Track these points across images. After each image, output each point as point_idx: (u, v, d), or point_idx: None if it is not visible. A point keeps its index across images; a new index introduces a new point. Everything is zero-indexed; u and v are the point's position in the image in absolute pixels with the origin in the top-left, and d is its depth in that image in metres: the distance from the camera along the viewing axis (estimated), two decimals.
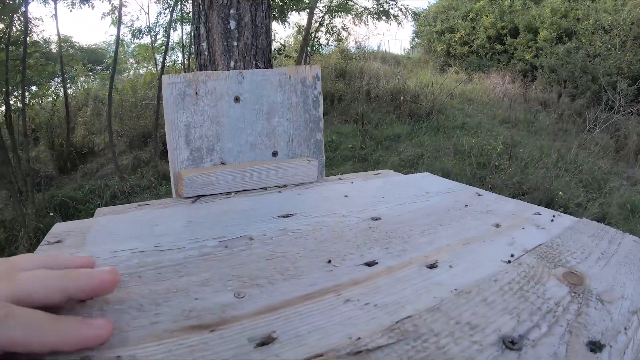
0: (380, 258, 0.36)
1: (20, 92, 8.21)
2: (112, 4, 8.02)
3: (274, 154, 0.65)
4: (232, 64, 1.61)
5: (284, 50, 8.05)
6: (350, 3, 8.44)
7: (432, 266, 0.34)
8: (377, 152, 6.87)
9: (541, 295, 0.31)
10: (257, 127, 0.64)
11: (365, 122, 7.78)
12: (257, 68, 1.50)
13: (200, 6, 1.68)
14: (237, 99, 0.63)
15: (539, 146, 6.80)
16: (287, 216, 0.47)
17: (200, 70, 1.39)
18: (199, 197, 0.57)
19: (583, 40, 9.66)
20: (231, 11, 1.62)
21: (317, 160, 0.65)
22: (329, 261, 0.35)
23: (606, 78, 8.82)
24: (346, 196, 0.54)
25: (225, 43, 1.60)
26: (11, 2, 7.44)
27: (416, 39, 16.18)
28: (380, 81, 9.78)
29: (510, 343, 0.24)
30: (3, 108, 8.74)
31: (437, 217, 0.47)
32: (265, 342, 0.24)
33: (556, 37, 10.17)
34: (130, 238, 0.42)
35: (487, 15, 11.72)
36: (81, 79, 12.64)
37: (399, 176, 0.70)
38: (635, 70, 8.85)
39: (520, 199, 2.86)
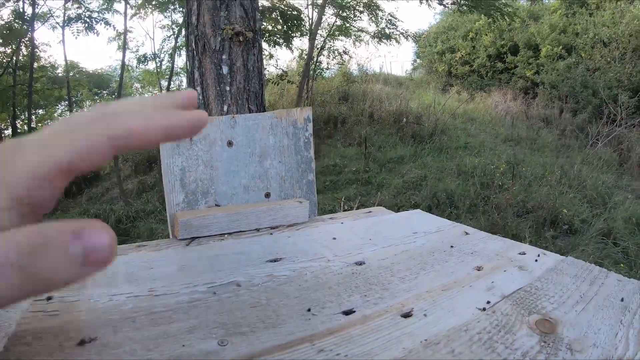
0: (358, 306, 0.37)
1: (27, 115, 8.34)
2: (117, 30, 8.18)
3: (267, 195, 0.68)
4: (225, 108, 1.64)
5: (286, 76, 8.16)
6: (350, 24, 8.57)
7: (407, 315, 0.36)
8: (380, 174, 6.89)
9: (509, 345, 0.32)
10: (250, 169, 0.66)
11: (368, 144, 7.81)
12: (249, 111, 1.54)
13: (194, 51, 1.73)
14: (230, 143, 0.65)
15: (542, 163, 6.80)
16: (275, 260, 0.49)
17: None
18: (193, 238, 0.59)
19: (583, 55, 9.74)
20: (223, 56, 1.67)
21: (309, 201, 0.67)
22: (309, 309, 0.37)
23: (607, 92, 8.86)
24: (334, 238, 0.56)
25: (218, 88, 1.65)
26: (18, 28, 7.61)
27: (417, 60, 16.34)
28: (382, 103, 9.85)
29: None
30: (10, 131, 8.88)
31: (421, 260, 0.48)
32: None
33: (558, 54, 10.25)
34: (127, 282, 0.44)
35: (486, 34, 11.84)
36: (87, 103, 12.83)
37: (390, 215, 0.71)
38: (636, 82, 8.89)
39: (525, 218, 2.87)
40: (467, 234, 0.59)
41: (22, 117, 9.20)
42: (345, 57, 10.28)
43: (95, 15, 7.80)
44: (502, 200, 5.38)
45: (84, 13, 7.85)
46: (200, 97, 1.70)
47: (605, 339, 0.35)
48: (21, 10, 7.50)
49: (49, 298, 0.42)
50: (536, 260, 0.50)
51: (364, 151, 7.53)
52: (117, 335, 0.34)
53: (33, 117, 9.27)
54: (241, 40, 1.71)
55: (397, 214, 0.70)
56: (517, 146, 8.05)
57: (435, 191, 5.86)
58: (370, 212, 0.73)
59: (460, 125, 9.20)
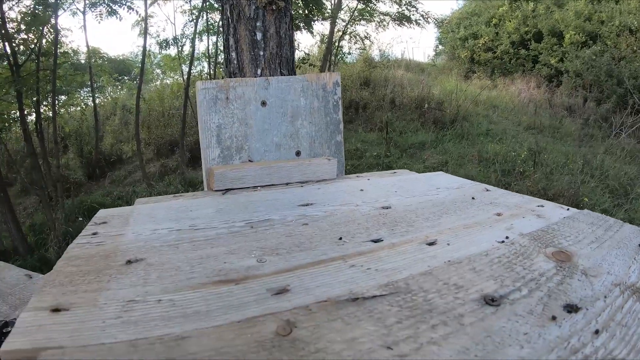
0: (385, 237, 0.41)
1: (50, 101, 8.51)
2: (140, 15, 8.24)
3: (297, 153, 0.71)
4: (258, 71, 1.74)
5: (308, 59, 8.16)
6: (372, 7, 8.49)
7: (431, 244, 0.39)
8: (401, 159, 6.88)
9: (527, 267, 0.35)
10: (282, 129, 0.70)
11: (389, 130, 7.79)
12: (281, 75, 1.58)
13: (229, 19, 1.84)
14: (263, 103, 0.69)
15: (565, 152, 6.71)
16: (306, 205, 0.52)
17: (230, 77, 1.48)
18: (227, 190, 0.63)
19: (608, 43, 9.49)
20: (257, 24, 1.77)
21: (337, 160, 0.71)
22: (340, 238, 0.40)
23: (632, 81, 8.64)
24: (362, 190, 0.59)
25: (252, 53, 1.74)
26: (41, 15, 7.72)
27: (440, 46, 16.14)
28: (404, 89, 9.78)
29: (490, 300, 0.29)
30: (34, 116, 9.08)
31: (444, 207, 0.51)
32: (280, 292, 0.30)
33: (582, 41, 10.01)
34: (168, 220, 0.49)
35: (510, 21, 11.61)
36: (109, 89, 13.01)
37: (414, 174, 0.74)
38: None
39: None
40: (487, 190, 0.62)
41: (45, 102, 9.39)
42: (367, 42, 10.21)
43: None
44: (523, 187, 5.34)
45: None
46: (235, 62, 1.82)
47: (619, 270, 0.36)
48: None
49: (94, 234, 0.46)
50: (553, 210, 0.52)
51: (385, 136, 7.52)
52: (161, 257, 0.38)
53: (56, 102, 9.46)
54: (274, 9, 1.79)
55: (421, 174, 0.73)
56: (540, 134, 7.94)
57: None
58: (395, 172, 0.76)
59: (482, 112, 9.10)
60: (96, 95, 10.63)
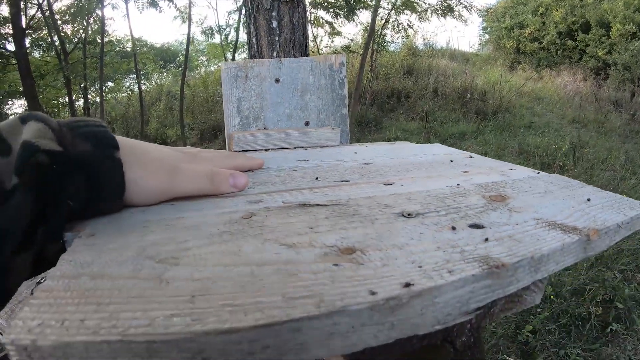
0: (353, 179, 0.50)
1: (97, 87, 8.95)
2: (179, 9, 8.50)
3: (306, 123, 0.83)
4: (274, 54, 2.12)
5: (350, 47, 8.24)
6: (415, 0, 8.46)
7: (388, 184, 0.47)
8: None
9: (458, 201, 0.41)
10: (293, 102, 0.81)
11: (430, 119, 7.78)
12: (294, 57, 1.78)
13: (250, 10, 2.21)
14: (277, 80, 0.81)
15: (608, 147, 6.53)
16: (303, 160, 0.63)
17: (251, 59, 1.71)
18: (244, 151, 0.76)
19: None
20: (273, 14, 2.12)
21: (340, 129, 0.81)
22: (317, 178, 0.51)
23: None
24: (355, 152, 0.69)
25: (269, 38, 2.07)
26: (86, 6, 8.08)
27: (486, 36, 15.82)
28: (447, 78, 9.70)
29: (407, 214, 0.36)
30: (82, 102, 9.56)
31: (419, 165, 0.59)
32: (255, 202, 0.41)
33: (631, 33, 9.61)
34: None
35: (557, 10, 11.26)
36: (155, 75, 13.47)
37: (412, 144, 0.83)
38: None
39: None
40: (471, 157, 0.69)
41: (93, 89, 9.87)
42: (410, 31, 10.16)
43: None
44: None
45: None
46: (255, 47, 2.20)
47: (548, 211, 0.38)
48: None
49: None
50: (521, 172, 0.55)
51: (424, 125, 7.53)
52: None
53: (104, 88, 9.94)
54: (287, 0, 2.12)
55: (418, 144, 0.82)
56: (584, 128, 7.75)
57: None
58: (395, 142, 0.85)
59: (526, 104, 8.93)
60: (142, 81, 11.03)
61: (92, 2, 7.84)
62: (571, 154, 6.04)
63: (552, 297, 3.14)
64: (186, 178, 0.41)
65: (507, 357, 2.68)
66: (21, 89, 7.26)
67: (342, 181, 0.49)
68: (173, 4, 8.05)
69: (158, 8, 7.88)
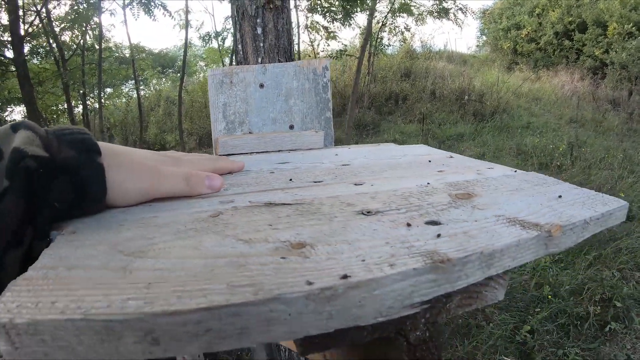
0: (326, 180, 0.51)
1: (96, 93, 8.99)
2: (173, 17, 8.55)
3: (291, 127, 0.84)
4: (259, 59, 2.17)
5: (346, 51, 8.26)
6: (411, 3, 8.50)
7: (358, 184, 0.48)
8: None
9: (422, 199, 0.41)
10: (277, 106, 0.83)
11: (428, 121, 7.80)
12: (279, 62, 1.80)
13: (236, 18, 2.27)
14: (261, 85, 0.82)
15: (606, 147, 6.55)
16: (283, 163, 0.65)
17: (238, 65, 1.74)
18: (229, 155, 0.77)
19: None
20: (258, 20, 2.18)
21: (324, 132, 0.83)
22: (291, 179, 0.52)
23: None
24: (336, 154, 0.71)
25: (254, 44, 2.13)
26: (84, 13, 8.13)
27: (483, 37, 15.86)
28: (445, 81, 9.73)
29: (367, 212, 0.37)
30: (81, 108, 9.60)
31: (395, 166, 0.60)
32: (227, 202, 0.43)
33: (627, 32, 9.64)
34: None
35: (553, 10, 11.30)
36: (153, 81, 13.51)
37: (395, 146, 0.85)
38: None
39: None
40: (451, 157, 0.70)
41: (92, 95, 9.91)
42: (407, 34, 10.19)
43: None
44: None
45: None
46: (241, 53, 2.25)
47: (513, 208, 0.39)
48: None
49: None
50: (497, 171, 0.56)
51: (422, 127, 7.55)
52: None
53: (102, 94, 9.98)
54: (272, 7, 2.18)
55: (401, 146, 0.83)
56: (581, 128, 7.77)
57: None
58: (379, 144, 0.87)
59: (523, 105, 8.96)
60: (141, 87, 11.06)
61: (89, 10, 7.89)
62: (569, 154, 6.06)
63: (549, 297, 3.15)
64: (164, 180, 0.44)
65: (505, 358, 2.69)
66: (20, 95, 7.29)
67: (315, 182, 0.51)
68: (167, 11, 8.09)
69: (152, 16, 7.93)
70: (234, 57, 2.29)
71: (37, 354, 0.22)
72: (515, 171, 0.57)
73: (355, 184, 0.48)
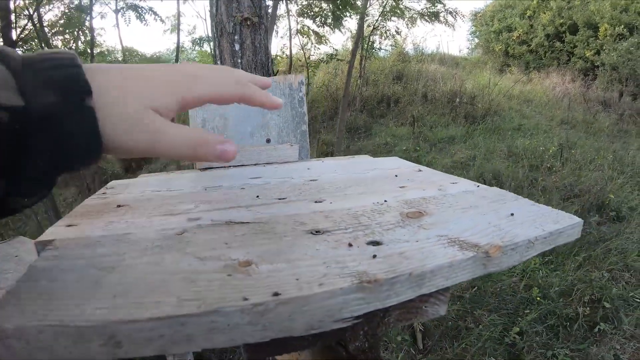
0: (289, 197, 0.54)
1: None
2: (164, 22, 8.58)
3: (268, 140, 0.87)
4: None
5: (336, 55, 8.28)
6: (401, 6, 8.53)
7: (318, 202, 0.51)
8: (430, 154, 6.91)
9: (372, 218, 0.44)
10: (254, 121, 0.86)
11: (419, 124, 7.82)
12: None
13: (215, 35, 2.36)
14: None
15: (597, 148, 6.60)
16: (255, 178, 0.68)
17: None
18: (207, 168, 0.81)
19: None
20: (236, 37, 2.27)
21: (299, 145, 0.86)
22: (257, 196, 0.55)
23: None
24: (308, 169, 0.74)
25: (232, 61, 2.20)
26: (76, 17, 8.14)
27: (475, 40, 15.93)
28: (437, 83, 9.74)
29: (316, 232, 0.40)
30: None
31: (361, 182, 0.63)
32: (194, 219, 0.46)
33: (618, 33, 9.71)
34: (154, 186, 0.66)
35: (544, 12, 11.37)
36: None
37: (369, 158, 0.87)
38: None
39: (571, 202, 2.87)
40: (420, 170, 0.72)
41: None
42: (398, 37, 10.22)
43: (144, 5, 8.26)
44: (549, 182, 5.31)
45: (132, 3, 8.32)
46: None
47: (459, 227, 0.40)
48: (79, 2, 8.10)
49: (103, 193, 0.62)
50: (460, 186, 0.58)
51: (414, 130, 7.57)
52: (139, 204, 0.55)
53: None
54: (249, 24, 2.26)
55: (375, 158, 0.86)
56: (572, 129, 7.82)
57: (483, 171, 5.85)
58: (353, 157, 0.90)
59: (515, 107, 9.00)
60: None
61: (80, 16, 7.90)
62: (559, 155, 6.10)
63: (538, 298, 3.18)
64: (169, 144, 0.36)
65: None
66: None
67: (279, 199, 0.54)
68: (158, 16, 8.12)
69: (144, 22, 7.96)
70: None
71: (22, 354, 0.25)
72: (478, 186, 0.59)
73: (316, 202, 0.51)
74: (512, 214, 0.44)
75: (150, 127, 0.35)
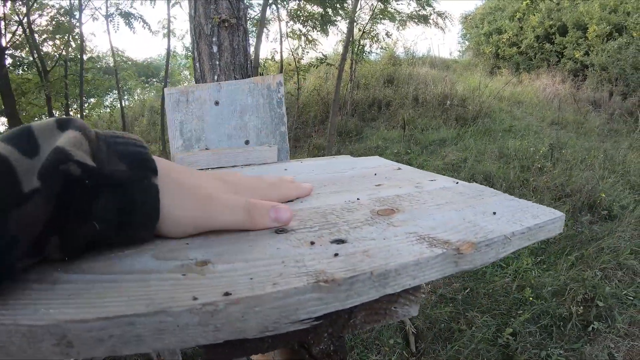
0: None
1: (79, 103, 8.95)
2: (152, 30, 8.61)
3: (246, 142, 0.86)
4: (215, 77, 2.22)
5: (325, 59, 8.30)
6: (390, 10, 8.57)
7: (288, 201, 0.50)
8: (421, 156, 6.92)
9: (340, 216, 0.43)
10: (232, 122, 0.85)
11: (410, 127, 7.84)
12: (235, 79, 1.83)
13: (194, 36, 2.34)
14: (217, 103, 0.85)
15: (587, 147, 6.63)
16: None
17: (196, 83, 1.77)
18: None
19: (634, 35, 9.27)
20: (214, 39, 2.25)
21: (277, 147, 0.85)
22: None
23: None
24: (285, 169, 0.73)
25: (210, 62, 2.19)
26: (66, 23, 8.13)
27: (465, 42, 16.03)
28: (428, 86, 9.78)
29: (280, 231, 0.39)
30: None
31: (337, 181, 0.61)
32: None
33: (607, 33, 9.80)
34: None
35: (534, 14, 11.46)
36: (137, 91, 13.48)
37: (350, 158, 0.86)
38: None
39: (563, 202, 2.87)
40: (399, 169, 0.70)
41: (75, 105, 9.88)
42: (388, 40, 10.26)
43: (133, 12, 8.28)
44: (540, 183, 5.33)
45: (120, 9, 8.35)
46: (199, 71, 2.23)
47: (431, 224, 0.39)
48: (67, 7, 8.09)
49: None
50: (437, 183, 0.56)
51: (404, 133, 7.58)
52: None
53: (85, 105, 9.95)
54: (227, 25, 2.26)
55: (355, 158, 0.85)
56: (563, 130, 7.86)
57: (474, 173, 5.86)
58: (334, 156, 0.89)
59: (505, 108, 9.05)
60: (125, 97, 11.04)
61: (69, 21, 7.88)
62: (550, 156, 6.13)
63: (531, 298, 3.18)
64: (221, 209, 0.38)
65: None
66: (2, 107, 7.24)
67: None
68: (146, 24, 8.13)
69: (132, 29, 7.98)
70: (194, 76, 2.37)
71: None
72: (457, 182, 0.57)
73: (286, 202, 0.50)
74: (490, 210, 0.43)
75: (203, 194, 0.38)
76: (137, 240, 0.35)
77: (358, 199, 0.50)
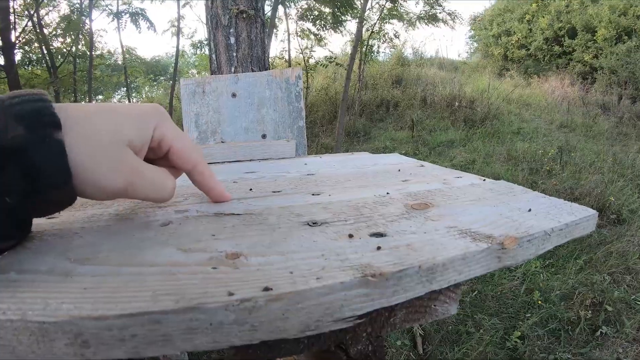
0: (286, 190, 0.51)
1: (87, 100, 8.99)
2: (156, 32, 8.69)
3: (263, 136, 0.84)
4: (232, 69, 2.18)
5: (334, 59, 8.28)
6: (400, 9, 8.54)
7: (315, 194, 0.48)
8: (429, 157, 6.88)
9: (374, 210, 0.41)
10: (250, 115, 0.83)
11: (419, 128, 7.80)
12: (252, 72, 1.80)
13: (211, 28, 2.29)
14: (234, 95, 0.82)
15: (596, 151, 6.58)
16: (249, 172, 0.64)
17: (212, 74, 1.73)
18: None
19: None
20: (231, 30, 2.21)
21: (295, 141, 0.83)
22: (251, 189, 0.52)
23: None
24: (305, 164, 0.70)
25: (227, 54, 2.16)
26: (76, 20, 8.16)
27: (474, 44, 15.97)
28: (436, 87, 9.74)
29: (313, 223, 0.37)
30: None
31: (361, 176, 0.59)
32: (181, 211, 0.43)
33: (615, 36, 9.73)
34: None
35: (543, 17, 11.39)
36: (146, 88, 13.52)
37: (369, 155, 0.84)
38: None
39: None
40: (422, 166, 0.69)
41: (83, 102, 9.93)
42: (397, 40, 10.22)
43: (140, 11, 8.32)
44: (549, 186, 5.29)
45: (129, 9, 8.39)
46: (215, 62, 2.22)
47: (469, 219, 0.37)
48: (78, 4, 8.14)
49: None
50: (464, 180, 0.54)
51: (413, 134, 7.55)
52: None
53: (93, 102, 9.99)
54: (244, 17, 2.21)
55: (375, 155, 0.83)
56: (572, 133, 7.80)
57: (482, 174, 5.80)
58: (352, 154, 0.86)
59: (514, 111, 9.00)
60: (133, 94, 11.07)
61: (79, 19, 7.91)
62: (559, 159, 6.08)
63: (539, 302, 3.15)
64: (145, 186, 0.36)
65: None
66: None
67: (274, 192, 0.50)
68: (152, 25, 8.18)
69: (139, 29, 8.02)
70: (210, 66, 2.32)
71: None
72: (484, 180, 0.56)
73: (313, 194, 0.48)
74: (526, 207, 0.42)
75: (126, 165, 0.35)
76: (58, 205, 0.33)
77: (388, 193, 0.48)
